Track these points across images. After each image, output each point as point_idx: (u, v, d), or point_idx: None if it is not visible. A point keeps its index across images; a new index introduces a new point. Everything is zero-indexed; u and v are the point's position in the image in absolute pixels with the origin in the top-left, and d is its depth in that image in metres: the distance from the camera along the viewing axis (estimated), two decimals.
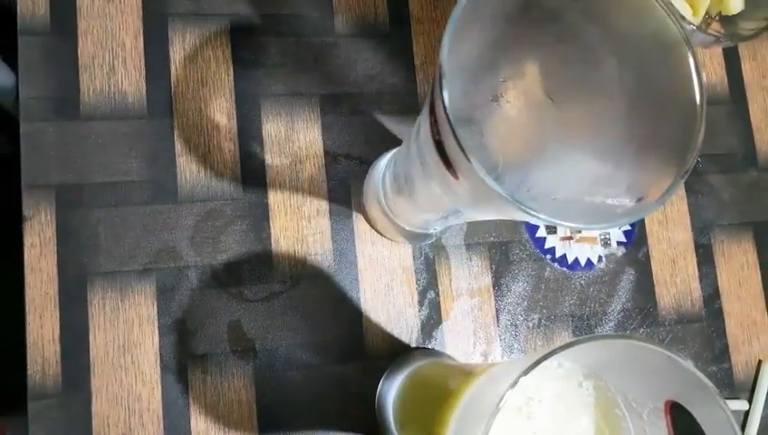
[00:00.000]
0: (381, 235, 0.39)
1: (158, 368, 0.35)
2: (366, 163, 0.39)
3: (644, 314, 0.41)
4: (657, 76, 0.21)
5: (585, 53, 0.24)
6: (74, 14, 0.37)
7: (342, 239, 0.38)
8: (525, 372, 0.18)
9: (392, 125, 0.40)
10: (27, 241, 0.35)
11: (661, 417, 0.23)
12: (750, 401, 0.42)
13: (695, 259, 0.43)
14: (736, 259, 0.44)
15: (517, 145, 0.27)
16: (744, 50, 0.46)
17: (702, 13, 0.40)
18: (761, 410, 0.41)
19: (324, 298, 0.37)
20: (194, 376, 0.35)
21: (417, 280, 0.39)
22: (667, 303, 0.42)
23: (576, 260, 0.41)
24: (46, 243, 0.35)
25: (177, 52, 0.38)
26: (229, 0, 0.39)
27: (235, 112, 0.38)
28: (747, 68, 0.46)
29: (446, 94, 0.18)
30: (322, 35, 0.40)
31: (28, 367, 0.34)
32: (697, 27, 0.36)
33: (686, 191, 0.44)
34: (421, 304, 0.39)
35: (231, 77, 0.38)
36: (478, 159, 0.18)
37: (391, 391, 0.35)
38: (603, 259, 0.41)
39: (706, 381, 0.19)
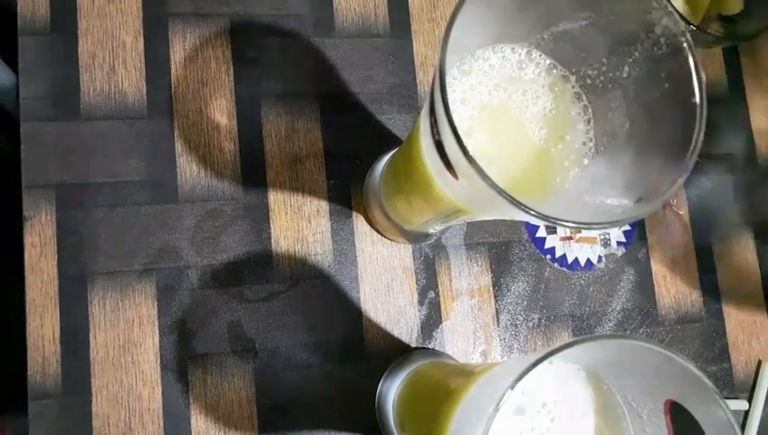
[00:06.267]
0: (381, 235, 0.39)
1: (159, 368, 0.35)
2: (366, 163, 0.39)
3: (644, 314, 0.41)
4: (657, 76, 0.21)
5: (584, 54, 0.24)
6: (74, 14, 0.37)
7: (342, 239, 0.38)
8: (525, 373, 0.18)
9: (392, 125, 0.40)
10: (27, 241, 0.35)
11: (661, 417, 0.23)
12: (750, 401, 0.42)
13: (695, 259, 0.43)
14: (736, 259, 0.44)
15: None
16: (744, 50, 0.46)
17: (702, 13, 0.40)
18: (761, 410, 0.41)
19: (324, 298, 0.37)
20: (194, 376, 0.35)
21: (417, 280, 0.39)
22: (666, 303, 0.42)
23: (576, 260, 0.41)
24: (46, 243, 0.35)
25: (177, 52, 0.38)
26: (229, 0, 0.39)
27: (235, 112, 0.38)
28: (747, 68, 0.46)
29: (446, 95, 0.18)
30: (322, 35, 0.40)
31: (28, 367, 0.34)
32: (697, 27, 0.36)
33: (686, 191, 0.44)
34: (421, 304, 0.39)
35: (231, 77, 0.38)
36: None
37: (391, 391, 0.35)
38: (603, 259, 0.41)
39: (706, 381, 0.19)
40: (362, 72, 0.40)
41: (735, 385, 0.42)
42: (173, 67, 0.38)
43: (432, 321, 0.38)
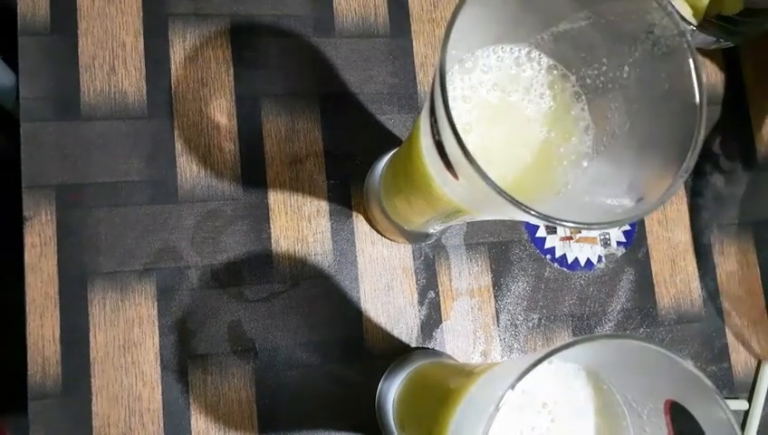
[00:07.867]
0: (381, 235, 0.39)
1: (159, 368, 0.35)
2: (366, 163, 0.39)
3: (644, 313, 0.41)
4: (657, 76, 0.21)
5: (584, 54, 0.24)
6: (74, 14, 0.37)
7: (342, 239, 0.38)
8: (525, 373, 0.18)
9: (392, 125, 0.40)
10: (27, 241, 0.35)
11: (661, 416, 0.23)
12: (750, 401, 0.42)
13: (694, 259, 0.43)
14: (736, 259, 0.44)
15: None
16: (744, 50, 0.46)
17: (702, 13, 0.40)
18: (761, 410, 0.41)
19: (324, 298, 0.37)
20: (194, 376, 0.35)
21: (417, 280, 0.39)
22: (666, 303, 0.42)
23: (576, 260, 0.41)
24: (46, 243, 0.35)
25: (177, 52, 0.38)
26: (229, 0, 0.39)
27: (235, 112, 0.38)
28: (747, 68, 0.46)
29: (446, 95, 0.18)
30: (322, 35, 0.40)
31: (28, 367, 0.34)
32: (697, 27, 0.36)
33: (686, 191, 0.44)
34: (421, 304, 0.39)
35: (231, 77, 0.38)
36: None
37: (391, 391, 0.35)
38: (603, 259, 0.41)
39: (706, 381, 0.19)
40: (362, 72, 0.40)
41: (735, 385, 0.42)
42: (173, 67, 0.38)
43: (432, 321, 0.38)
